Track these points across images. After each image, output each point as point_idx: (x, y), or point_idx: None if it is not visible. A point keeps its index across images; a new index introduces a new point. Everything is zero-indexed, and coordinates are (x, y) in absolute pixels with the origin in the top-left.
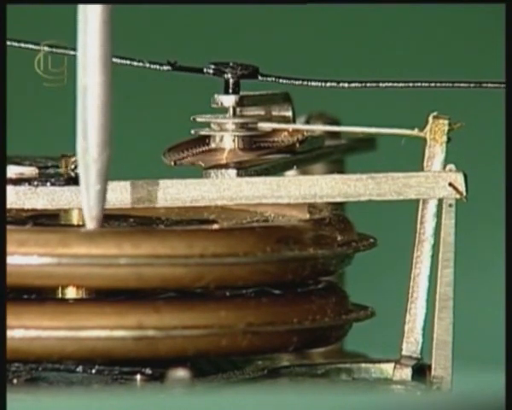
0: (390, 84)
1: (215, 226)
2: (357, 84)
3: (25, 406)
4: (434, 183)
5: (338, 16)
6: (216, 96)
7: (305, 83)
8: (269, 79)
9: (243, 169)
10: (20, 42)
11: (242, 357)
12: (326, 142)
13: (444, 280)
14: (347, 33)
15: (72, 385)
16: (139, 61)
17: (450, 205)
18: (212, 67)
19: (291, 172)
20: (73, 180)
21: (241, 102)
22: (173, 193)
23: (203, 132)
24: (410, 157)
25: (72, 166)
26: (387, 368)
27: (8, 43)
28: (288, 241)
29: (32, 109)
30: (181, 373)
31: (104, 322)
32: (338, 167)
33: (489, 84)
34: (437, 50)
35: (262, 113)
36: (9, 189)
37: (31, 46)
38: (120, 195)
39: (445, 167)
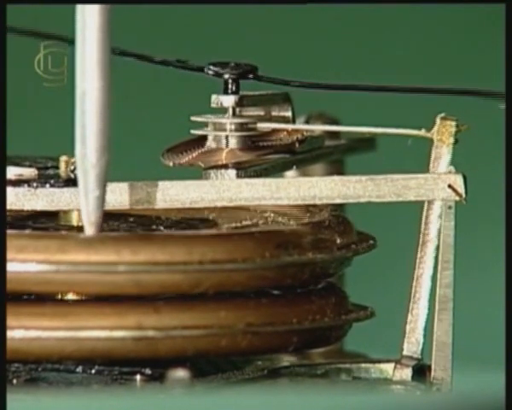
0: (387, 91)
1: (214, 231)
2: (350, 89)
3: (25, 406)
4: (434, 185)
5: (338, 16)
6: (215, 96)
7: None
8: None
9: (243, 169)
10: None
11: (242, 357)
12: (326, 142)
13: (443, 282)
14: (347, 33)
15: (71, 385)
16: (147, 58)
17: (450, 207)
18: (211, 67)
19: (291, 173)
20: (73, 181)
21: (240, 103)
22: (172, 194)
23: (202, 133)
24: (411, 157)
25: (72, 168)
26: (387, 368)
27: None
28: (288, 246)
29: (32, 109)
30: (181, 373)
31: (104, 322)
32: (338, 168)
33: (487, 93)
34: (437, 50)
35: (262, 113)
36: (9, 190)
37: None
38: (119, 196)
39: None
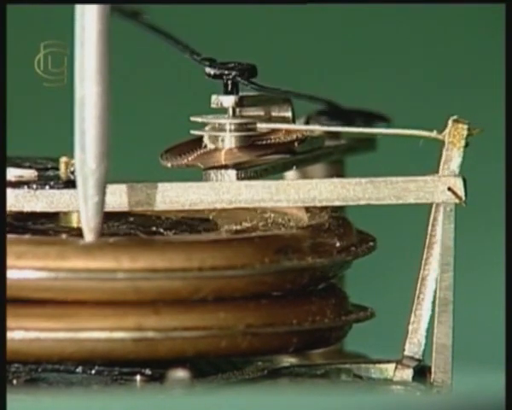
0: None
1: (213, 237)
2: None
3: (25, 406)
4: (434, 187)
5: (338, 16)
6: (215, 96)
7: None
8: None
9: (243, 170)
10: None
11: (242, 358)
12: (326, 142)
13: (443, 284)
14: (347, 33)
15: (71, 386)
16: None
17: (450, 209)
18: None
19: (290, 173)
20: (73, 183)
21: (240, 103)
22: (172, 196)
23: (202, 133)
24: (410, 157)
25: (72, 169)
26: (387, 368)
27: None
28: (287, 251)
29: (32, 109)
30: (180, 374)
31: (104, 323)
32: (338, 168)
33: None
34: (437, 50)
35: (262, 113)
36: (9, 191)
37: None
38: (119, 198)
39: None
